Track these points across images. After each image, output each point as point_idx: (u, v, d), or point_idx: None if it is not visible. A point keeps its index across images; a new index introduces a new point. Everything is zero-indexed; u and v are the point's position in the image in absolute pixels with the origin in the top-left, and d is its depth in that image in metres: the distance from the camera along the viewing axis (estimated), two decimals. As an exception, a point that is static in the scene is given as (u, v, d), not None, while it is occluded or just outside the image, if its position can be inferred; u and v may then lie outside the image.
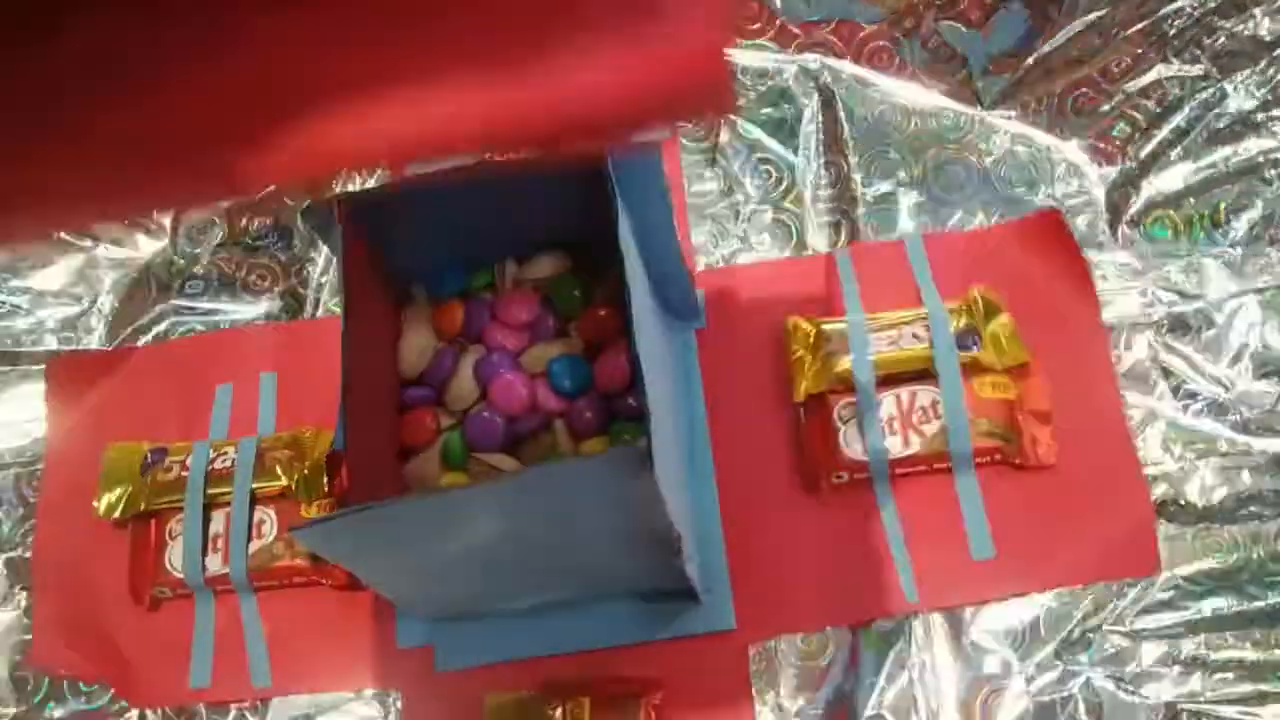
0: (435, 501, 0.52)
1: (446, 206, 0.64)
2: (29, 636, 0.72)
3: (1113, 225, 0.76)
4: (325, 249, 0.80)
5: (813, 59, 0.81)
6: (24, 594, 0.73)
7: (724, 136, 0.80)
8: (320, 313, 0.79)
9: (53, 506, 0.75)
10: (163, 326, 0.80)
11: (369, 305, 0.62)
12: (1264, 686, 0.65)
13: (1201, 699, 0.65)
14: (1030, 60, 0.79)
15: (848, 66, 0.81)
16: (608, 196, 0.59)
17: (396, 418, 0.64)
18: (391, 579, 0.59)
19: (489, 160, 0.58)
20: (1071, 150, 0.78)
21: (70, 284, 0.81)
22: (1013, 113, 0.79)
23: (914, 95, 0.80)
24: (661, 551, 0.59)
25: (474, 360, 0.64)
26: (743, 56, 0.81)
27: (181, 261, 0.81)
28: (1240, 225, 0.75)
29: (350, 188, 0.75)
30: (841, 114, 0.80)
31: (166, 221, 0.81)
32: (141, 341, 0.79)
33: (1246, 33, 0.77)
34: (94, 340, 0.80)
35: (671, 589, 0.68)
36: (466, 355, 0.65)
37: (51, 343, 0.80)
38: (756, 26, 0.82)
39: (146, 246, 0.81)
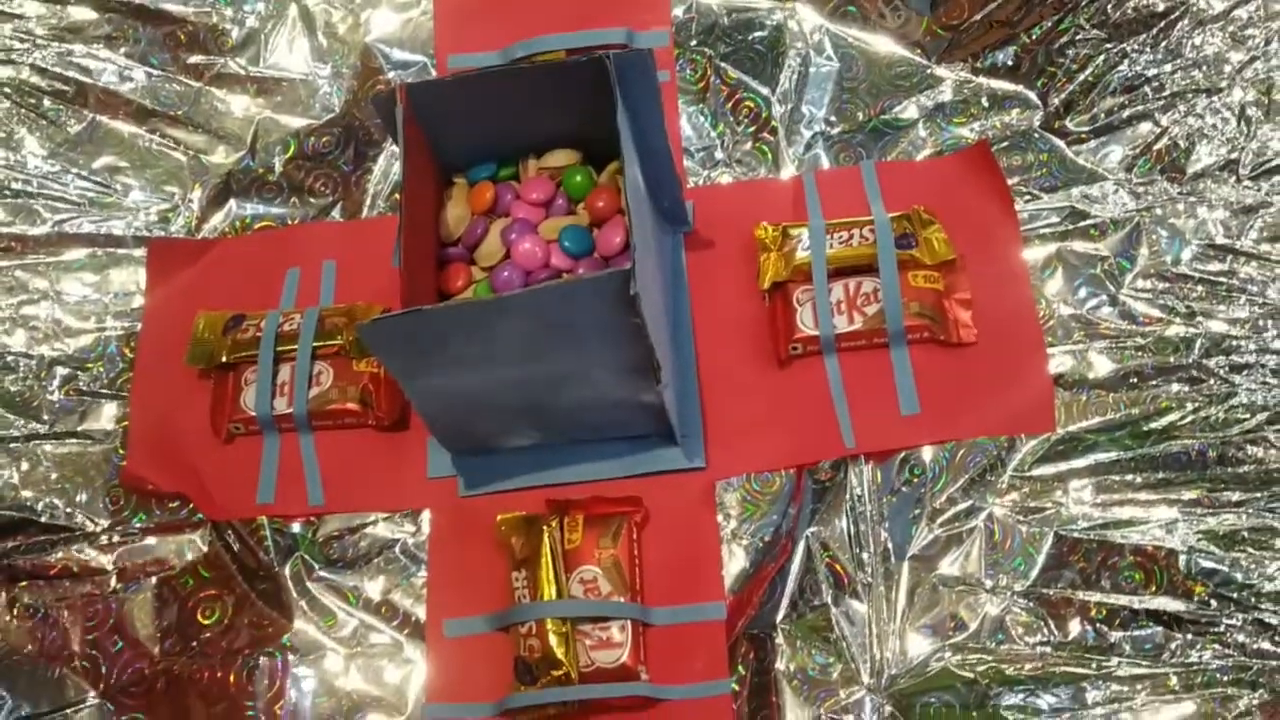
0: (466, 307, 0.67)
1: (481, 110, 0.80)
2: (123, 463, 0.87)
3: (1036, 156, 0.91)
4: (380, 161, 0.95)
5: (790, 14, 0.97)
6: (121, 429, 0.89)
7: (713, 79, 0.96)
8: (374, 213, 0.95)
9: (147, 361, 0.91)
10: (240, 222, 0.95)
11: (420, 181, 0.78)
12: (1126, 515, 0.79)
13: (1085, 527, 0.79)
14: (968, 23, 0.95)
15: (821, 21, 0.97)
16: (609, 104, 0.75)
17: (437, 272, 0.80)
18: (427, 390, 0.74)
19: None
20: (1001, 97, 0.93)
21: (165, 183, 0.96)
22: (954, 65, 0.94)
23: (874, 48, 0.96)
24: (643, 375, 0.74)
25: (501, 228, 0.80)
26: (731, 8, 0.98)
27: (259, 169, 0.97)
28: (1138, 159, 0.90)
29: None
30: (813, 61, 0.96)
31: (247, 137, 0.97)
32: (221, 233, 0.95)
33: (1143, 4, 0.93)
34: (182, 231, 0.95)
35: (655, 433, 0.83)
36: (495, 224, 0.81)
37: (148, 231, 0.95)
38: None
39: (229, 156, 0.97)
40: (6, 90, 0.99)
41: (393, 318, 0.67)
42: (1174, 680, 0.74)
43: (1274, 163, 0.88)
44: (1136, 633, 0.76)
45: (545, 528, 0.80)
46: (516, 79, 0.78)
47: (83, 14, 1.01)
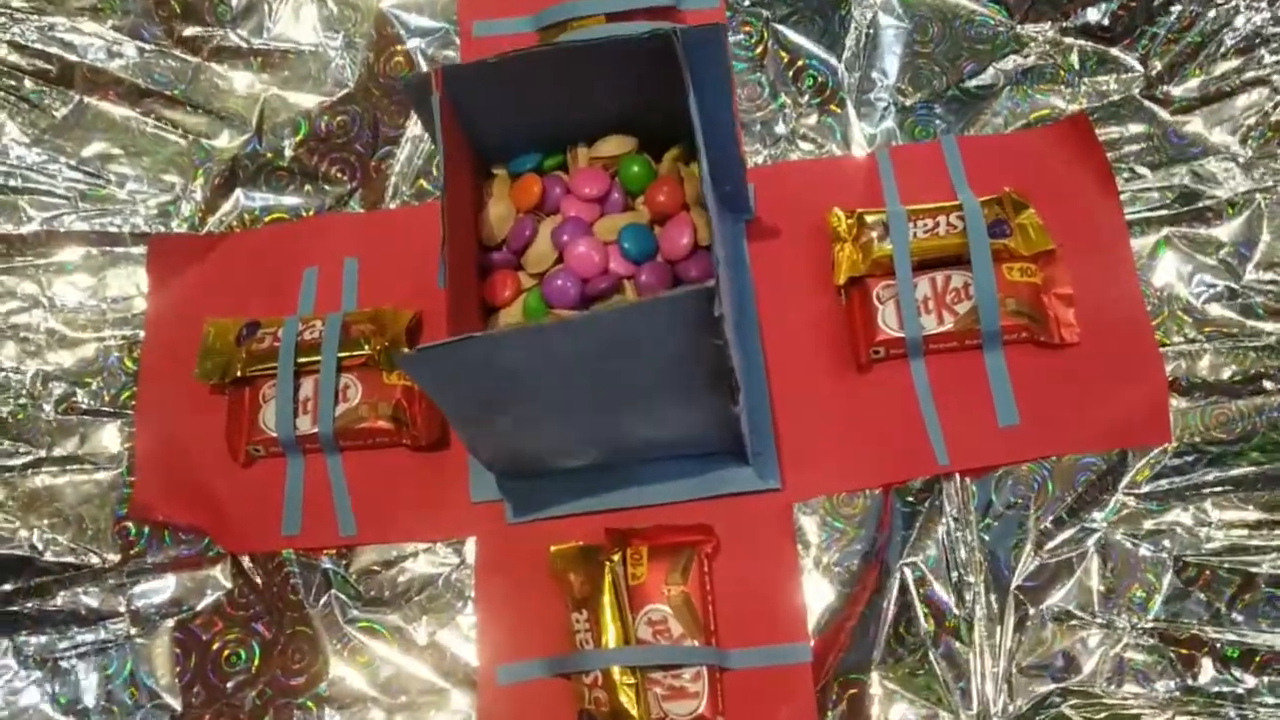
0: (525, 334, 0.58)
1: (525, 93, 0.70)
2: (129, 491, 0.79)
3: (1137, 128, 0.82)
4: (404, 144, 0.86)
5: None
6: (126, 451, 0.80)
7: (771, 44, 0.86)
8: (397, 203, 0.85)
9: (153, 374, 0.82)
10: (249, 214, 0.86)
11: (458, 177, 0.68)
12: (1259, 540, 0.71)
13: (1211, 553, 0.71)
14: (1058, -24, 0.86)
15: (890, -21, 0.87)
16: (669, 83, 0.65)
17: (479, 282, 0.71)
18: (475, 419, 0.66)
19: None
20: (1095, 61, 0.84)
21: (164, 171, 0.87)
22: (1041, 24, 0.85)
23: (950, 6, 0.86)
24: (719, 396, 0.65)
25: (552, 228, 0.71)
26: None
27: (267, 154, 0.87)
28: (1253, 131, 0.81)
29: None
30: (881, 22, 0.86)
31: (253, 118, 0.87)
32: (228, 227, 0.86)
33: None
34: (185, 226, 0.86)
35: (723, 450, 0.74)
36: (544, 223, 0.71)
37: (147, 227, 0.86)
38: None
39: (234, 140, 0.87)
40: (-18, 71, 0.89)
41: (441, 348, 0.58)
42: (1325, 733, 0.66)
43: None
44: (1278, 678, 0.68)
45: (606, 562, 0.71)
46: (566, 58, 0.68)
47: (64, -18, 0.91)
